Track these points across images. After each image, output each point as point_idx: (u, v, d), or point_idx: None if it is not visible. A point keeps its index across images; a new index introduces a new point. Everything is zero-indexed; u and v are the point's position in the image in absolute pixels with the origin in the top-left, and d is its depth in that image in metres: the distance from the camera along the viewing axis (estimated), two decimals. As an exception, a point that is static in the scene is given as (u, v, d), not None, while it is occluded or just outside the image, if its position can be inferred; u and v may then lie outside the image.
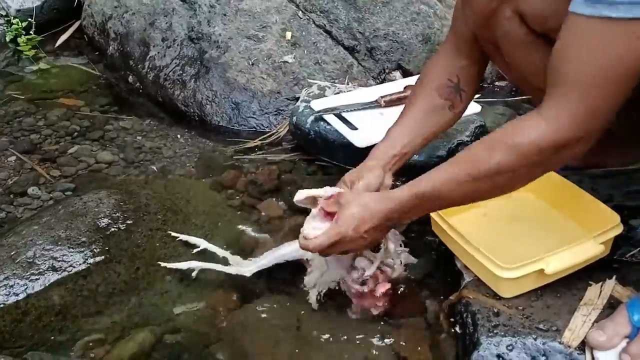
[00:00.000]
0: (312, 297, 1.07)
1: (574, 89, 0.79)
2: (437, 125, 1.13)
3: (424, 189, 0.92)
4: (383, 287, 1.01)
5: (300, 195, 1.03)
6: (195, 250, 1.18)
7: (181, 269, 1.15)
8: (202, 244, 1.19)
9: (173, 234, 1.23)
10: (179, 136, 1.70)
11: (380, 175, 1.07)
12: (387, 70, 1.84)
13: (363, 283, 1.03)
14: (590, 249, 0.97)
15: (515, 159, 0.84)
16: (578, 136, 0.81)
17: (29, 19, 2.29)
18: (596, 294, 0.98)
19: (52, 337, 1.03)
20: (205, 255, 1.18)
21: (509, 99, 1.85)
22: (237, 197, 1.42)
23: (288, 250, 1.13)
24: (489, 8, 0.95)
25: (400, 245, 1.11)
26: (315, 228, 0.99)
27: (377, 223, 0.95)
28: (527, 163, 0.84)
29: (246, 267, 1.13)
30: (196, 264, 1.14)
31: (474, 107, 1.55)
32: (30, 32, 2.27)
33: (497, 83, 1.97)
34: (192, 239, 1.21)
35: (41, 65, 2.14)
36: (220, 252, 1.17)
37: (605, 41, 0.73)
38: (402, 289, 1.12)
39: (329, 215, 0.99)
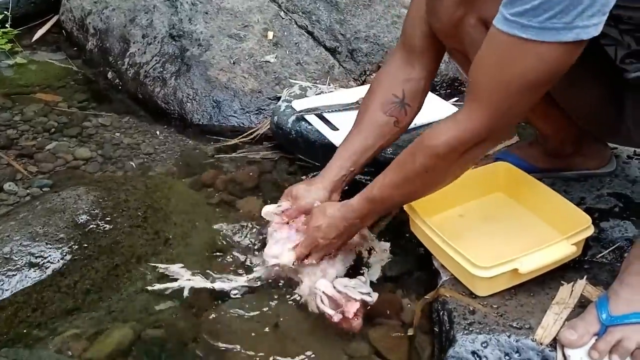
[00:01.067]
0: (312, 304, 1.07)
1: (483, 96, 0.87)
2: (383, 141, 1.19)
3: (372, 195, 1.04)
4: (353, 307, 1.02)
5: (264, 211, 1.19)
6: (185, 286, 1.13)
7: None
8: (189, 280, 1.15)
9: (153, 264, 1.18)
10: (158, 133, 1.69)
11: (324, 198, 1.17)
12: (368, 72, 1.86)
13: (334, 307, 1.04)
14: (563, 250, 1.00)
15: (434, 159, 0.94)
16: (485, 137, 0.90)
17: (5, 12, 2.25)
18: (568, 294, 1.01)
19: (29, 333, 1.02)
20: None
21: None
22: (217, 196, 1.42)
23: (276, 268, 1.14)
24: (455, 17, 0.99)
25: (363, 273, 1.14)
26: (277, 241, 1.14)
27: (342, 229, 1.07)
28: (445, 161, 0.94)
29: (237, 280, 1.14)
30: (186, 283, 1.13)
31: (451, 110, 1.58)
32: (6, 25, 2.24)
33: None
34: (174, 271, 1.16)
35: (18, 59, 2.11)
36: (217, 285, 1.14)
37: (514, 57, 0.81)
38: (380, 287, 1.14)
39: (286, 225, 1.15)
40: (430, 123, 1.53)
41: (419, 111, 1.20)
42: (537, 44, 0.77)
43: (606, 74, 1.00)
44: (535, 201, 1.17)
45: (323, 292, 1.03)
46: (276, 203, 1.21)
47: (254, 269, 1.17)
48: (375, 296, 1.05)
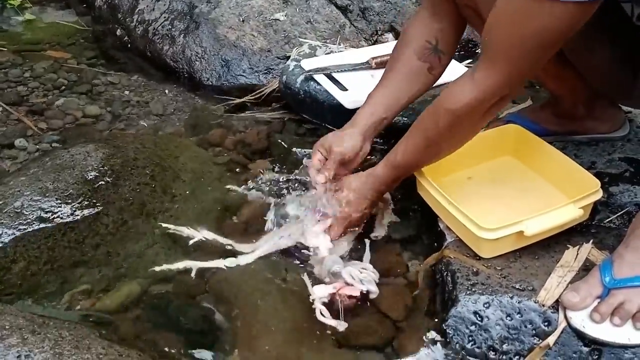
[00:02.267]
0: (324, 273, 1.08)
1: (499, 55, 0.88)
2: (416, 89, 1.17)
3: (397, 162, 1.06)
4: (350, 291, 1.01)
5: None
6: (191, 242, 1.13)
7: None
8: (197, 235, 1.14)
9: (164, 225, 1.17)
10: (167, 92, 1.69)
11: (358, 144, 1.13)
12: (379, 32, 1.83)
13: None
14: (569, 213, 0.99)
15: (456, 120, 0.96)
16: (503, 94, 0.93)
17: (14, -33, 2.22)
18: (573, 257, 1.01)
19: (40, 287, 1.04)
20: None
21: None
22: (225, 155, 1.42)
23: (287, 235, 1.14)
24: None
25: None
26: (317, 234, 1.12)
27: (370, 198, 1.11)
28: (467, 121, 0.97)
29: (247, 257, 1.12)
30: (193, 264, 1.09)
31: (464, 72, 1.55)
32: (16, -19, 2.21)
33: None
34: (187, 231, 1.15)
35: (27, 16, 2.10)
36: (222, 240, 1.14)
37: (530, 15, 0.81)
38: (385, 248, 1.15)
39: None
40: (444, 84, 1.50)
41: (450, 60, 1.18)
42: (552, 3, 0.77)
43: (622, 32, 0.97)
44: (545, 164, 1.15)
45: (321, 301, 1.00)
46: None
47: (262, 238, 1.16)
48: (377, 292, 1.02)
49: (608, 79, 1.08)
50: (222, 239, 1.15)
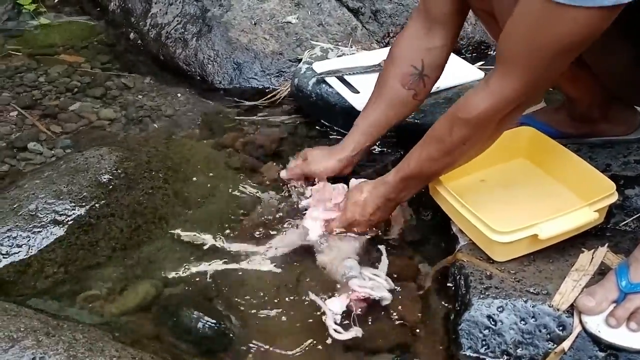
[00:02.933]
0: (338, 276, 1.07)
1: (516, 63, 0.86)
2: (401, 115, 1.22)
3: (409, 171, 1.05)
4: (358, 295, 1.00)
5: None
6: (205, 247, 1.14)
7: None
8: (209, 241, 1.16)
9: (178, 232, 1.19)
10: (180, 95, 1.69)
11: (336, 168, 1.23)
12: (391, 34, 1.83)
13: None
14: (584, 216, 0.98)
15: (472, 131, 0.94)
16: (519, 103, 0.91)
17: (29, -27, 2.25)
18: (588, 260, 1.00)
19: (55, 289, 1.05)
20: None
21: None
22: (238, 158, 1.43)
23: (296, 237, 1.15)
24: None
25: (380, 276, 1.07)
26: (315, 218, 1.15)
27: (379, 205, 1.10)
28: (482, 131, 0.95)
29: (261, 257, 1.13)
30: (211, 266, 1.11)
31: (476, 74, 1.55)
32: (31, -15, 2.24)
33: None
34: (199, 238, 1.17)
35: (42, 20, 2.12)
36: (236, 246, 1.15)
37: (550, 22, 0.79)
38: (398, 252, 1.14)
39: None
40: (456, 86, 1.50)
41: (437, 80, 1.19)
42: (574, 9, 0.76)
43: (638, 33, 0.96)
44: (559, 167, 1.14)
45: (334, 318, 0.97)
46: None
47: (274, 239, 1.17)
48: (389, 299, 1.01)
49: (626, 81, 1.07)
50: (235, 245, 1.16)
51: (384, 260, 1.10)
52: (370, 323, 1.00)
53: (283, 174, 1.28)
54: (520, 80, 0.87)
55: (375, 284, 1.01)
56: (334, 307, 0.98)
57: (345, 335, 0.95)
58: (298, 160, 1.26)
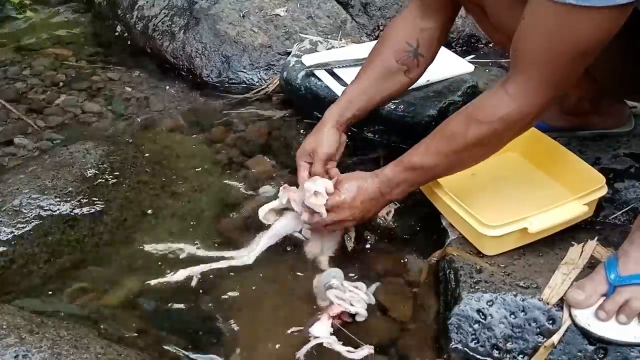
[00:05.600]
0: (324, 262, 1.08)
1: (535, 67, 0.84)
2: (392, 89, 1.16)
3: (412, 163, 0.99)
4: (336, 310, 0.97)
5: (262, 212, 1.11)
6: (182, 256, 1.10)
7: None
8: (197, 236, 1.14)
9: (165, 227, 1.16)
10: (167, 88, 1.68)
11: (337, 138, 1.13)
12: (381, 27, 1.82)
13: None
14: (574, 210, 0.98)
15: (487, 134, 0.91)
16: (540, 108, 0.88)
17: (14, -36, 2.21)
18: (577, 254, 0.99)
19: (40, 285, 1.03)
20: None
21: (503, 60, 1.83)
22: (226, 153, 1.41)
23: (282, 225, 1.12)
24: None
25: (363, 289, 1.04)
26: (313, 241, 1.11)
27: (372, 196, 1.03)
28: (498, 135, 0.92)
29: (247, 256, 1.10)
30: (196, 269, 1.06)
31: (467, 67, 1.54)
32: (16, -22, 2.20)
33: (491, 44, 1.94)
34: (176, 246, 1.12)
35: (27, 13, 2.09)
36: (214, 254, 1.11)
37: (566, 25, 0.78)
38: (387, 246, 1.14)
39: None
40: (446, 79, 1.49)
41: (431, 62, 1.17)
42: (591, 10, 0.75)
43: (630, 27, 0.95)
44: (549, 161, 1.14)
45: (330, 342, 0.94)
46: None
47: (263, 233, 1.14)
48: (365, 316, 0.98)
49: (616, 76, 1.06)
50: (224, 240, 1.14)
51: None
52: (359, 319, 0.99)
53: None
54: (542, 86, 0.85)
55: (354, 296, 0.99)
56: (319, 332, 0.95)
57: (359, 354, 0.92)
58: (304, 166, 1.13)
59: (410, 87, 1.37)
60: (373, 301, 1.01)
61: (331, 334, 0.95)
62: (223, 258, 1.09)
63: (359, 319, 0.98)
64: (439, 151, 0.97)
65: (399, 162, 1.01)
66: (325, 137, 1.12)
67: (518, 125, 0.91)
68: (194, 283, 1.05)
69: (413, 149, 1.00)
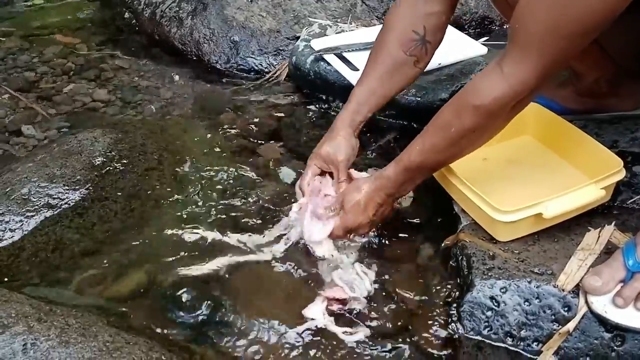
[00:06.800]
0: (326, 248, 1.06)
1: (532, 46, 0.81)
2: (401, 83, 1.13)
3: (410, 162, 0.97)
4: (335, 293, 0.96)
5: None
6: (202, 231, 1.10)
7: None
8: (205, 224, 1.12)
9: (173, 215, 1.15)
10: (175, 75, 1.66)
11: (352, 144, 1.11)
12: (391, 10, 1.78)
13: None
14: (590, 194, 0.95)
15: (482, 118, 0.88)
16: (535, 88, 0.85)
17: (22, -48, 2.20)
18: (594, 239, 0.97)
19: (49, 274, 1.03)
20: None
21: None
22: (235, 139, 1.40)
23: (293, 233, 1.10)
24: None
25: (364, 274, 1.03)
26: (319, 230, 1.04)
27: (379, 201, 1.02)
28: (494, 118, 0.89)
29: (258, 246, 1.09)
30: (219, 259, 1.06)
31: (480, 49, 1.50)
32: (23, -34, 2.19)
33: (505, 26, 1.90)
34: (195, 221, 1.13)
35: (35, 0, 2.08)
36: (234, 247, 1.09)
37: (569, 2, 0.76)
38: (399, 232, 1.12)
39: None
40: (458, 62, 1.46)
41: (437, 47, 1.13)
42: None
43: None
44: (565, 144, 1.11)
45: (324, 322, 0.94)
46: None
47: (274, 226, 1.12)
48: (363, 304, 0.97)
49: (635, 54, 1.03)
50: (232, 229, 1.12)
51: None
52: (369, 305, 0.98)
53: (295, 207, 1.10)
54: (538, 64, 0.81)
55: (356, 280, 0.98)
56: (313, 314, 0.94)
57: (355, 337, 0.92)
58: (313, 169, 1.12)
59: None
60: (371, 291, 0.99)
61: (329, 317, 0.94)
62: (246, 249, 1.08)
63: (356, 305, 0.96)
64: (435, 147, 0.94)
65: (398, 162, 0.99)
66: (342, 145, 1.10)
67: (511, 105, 0.87)
68: (204, 262, 1.04)
69: (410, 147, 0.98)
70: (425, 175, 1.02)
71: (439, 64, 1.41)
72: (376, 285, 1.01)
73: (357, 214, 1.02)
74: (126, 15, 1.93)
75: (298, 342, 0.92)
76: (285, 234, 1.10)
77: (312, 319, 0.94)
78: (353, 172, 1.13)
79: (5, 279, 1.01)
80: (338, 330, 0.93)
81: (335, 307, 0.96)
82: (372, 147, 1.35)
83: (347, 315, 0.96)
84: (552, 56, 0.81)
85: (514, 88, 0.84)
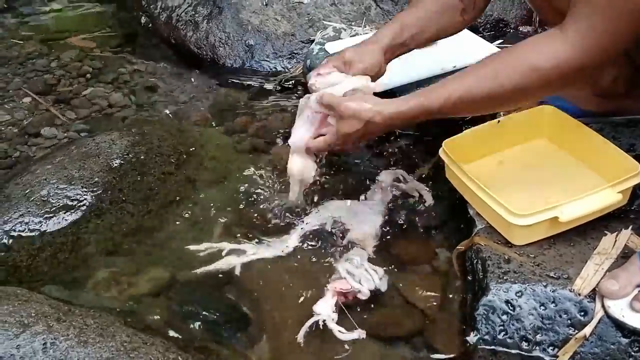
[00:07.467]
0: (296, 191, 1.07)
1: (601, 13, 0.78)
2: (445, 25, 1.10)
3: (437, 107, 0.90)
4: (340, 285, 0.97)
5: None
6: (224, 253, 1.08)
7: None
8: (221, 226, 1.15)
9: (190, 217, 1.17)
10: (191, 79, 1.68)
11: (379, 62, 1.05)
12: (406, 13, 1.78)
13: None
14: (607, 198, 0.95)
15: (535, 81, 0.83)
16: (599, 62, 0.81)
17: (40, -43, 2.23)
18: (611, 244, 0.96)
19: (67, 274, 1.05)
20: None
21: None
22: (250, 143, 1.41)
23: (316, 216, 1.12)
24: None
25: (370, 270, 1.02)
26: (305, 132, 1.02)
27: (382, 124, 0.94)
28: (547, 84, 0.84)
29: (280, 248, 1.09)
30: (235, 261, 1.06)
31: (494, 52, 1.50)
32: (41, -30, 2.23)
33: (520, 28, 1.89)
34: (216, 245, 1.10)
35: (53, 5, 2.11)
36: (251, 248, 1.09)
37: None
38: (413, 235, 1.12)
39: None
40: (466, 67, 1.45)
41: (481, 13, 1.12)
42: None
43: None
44: (581, 147, 1.10)
45: (331, 319, 0.94)
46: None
47: (290, 231, 1.12)
48: (367, 294, 0.97)
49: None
50: (248, 231, 1.13)
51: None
52: (385, 309, 0.98)
53: (312, 80, 1.04)
54: (603, 34, 0.78)
55: (364, 275, 0.98)
56: (321, 310, 0.94)
57: (350, 336, 0.92)
58: (329, 66, 1.05)
59: (436, 73, 1.34)
60: (384, 288, 0.99)
61: (334, 312, 0.94)
62: (261, 248, 1.09)
63: (361, 296, 0.97)
64: (470, 94, 0.88)
65: (419, 97, 0.92)
66: (369, 54, 1.04)
67: (569, 77, 0.83)
68: (221, 263, 1.05)
69: (440, 87, 0.91)
70: (439, 118, 0.96)
71: (454, 66, 1.41)
72: (391, 288, 1.00)
73: (347, 142, 0.97)
74: (142, 19, 1.95)
75: (308, 339, 0.92)
76: (298, 232, 1.11)
77: (319, 314, 0.94)
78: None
79: (25, 279, 1.02)
80: (335, 328, 0.93)
81: (341, 299, 0.96)
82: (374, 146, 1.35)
83: (356, 311, 0.96)
84: (620, 28, 0.78)
85: (579, 58, 0.80)
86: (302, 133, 1.03)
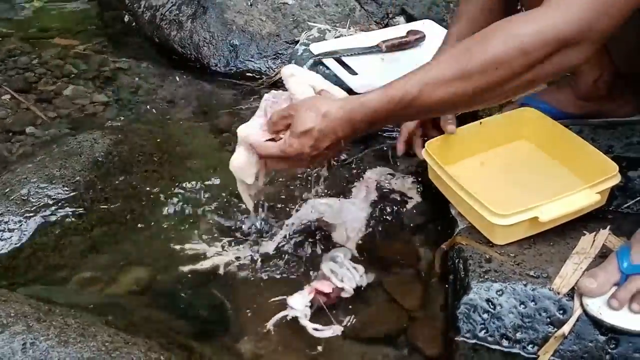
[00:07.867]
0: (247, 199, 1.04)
1: None
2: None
3: (403, 92, 0.79)
4: (323, 286, 0.96)
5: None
6: (207, 252, 1.07)
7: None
8: (205, 225, 1.13)
9: (172, 215, 1.15)
10: (176, 78, 1.67)
11: None
12: (390, 15, 1.79)
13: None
14: (586, 198, 0.96)
15: (515, 51, 0.74)
16: (585, 35, 0.74)
17: (22, -46, 2.21)
18: (589, 243, 0.98)
19: (48, 274, 1.04)
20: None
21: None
22: (233, 142, 1.40)
23: (300, 215, 1.12)
24: None
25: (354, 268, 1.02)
26: (258, 127, 0.91)
27: (341, 135, 0.82)
28: (527, 58, 0.75)
29: (264, 247, 1.09)
30: (218, 260, 1.06)
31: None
32: (23, -32, 2.20)
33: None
34: (199, 245, 1.10)
35: (35, 2, 2.09)
36: (234, 247, 1.08)
37: None
38: (397, 234, 1.13)
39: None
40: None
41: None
42: None
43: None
44: (561, 149, 1.12)
45: (304, 314, 0.93)
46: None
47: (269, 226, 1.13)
48: (350, 292, 0.97)
49: (636, 54, 1.03)
50: (230, 229, 1.13)
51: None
52: (369, 308, 0.98)
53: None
54: (585, 11, 0.73)
55: (347, 274, 0.98)
56: (294, 303, 0.94)
57: (325, 333, 0.93)
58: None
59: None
60: (364, 283, 1.00)
61: (308, 307, 0.94)
62: (245, 247, 1.09)
63: (344, 294, 0.97)
64: (441, 76, 0.78)
65: (386, 89, 0.81)
66: None
67: (552, 47, 0.74)
68: (203, 261, 1.05)
69: (408, 76, 0.81)
70: (412, 115, 0.87)
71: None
72: (374, 287, 1.01)
73: (304, 143, 0.81)
74: (126, 18, 1.93)
75: (290, 337, 0.93)
76: (282, 231, 1.11)
77: (292, 308, 0.93)
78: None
79: (5, 279, 1.01)
80: (308, 325, 0.92)
81: (320, 299, 0.96)
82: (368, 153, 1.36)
83: (333, 311, 0.96)
84: (593, 13, 0.73)
85: (564, 25, 0.73)
86: (253, 125, 0.93)
